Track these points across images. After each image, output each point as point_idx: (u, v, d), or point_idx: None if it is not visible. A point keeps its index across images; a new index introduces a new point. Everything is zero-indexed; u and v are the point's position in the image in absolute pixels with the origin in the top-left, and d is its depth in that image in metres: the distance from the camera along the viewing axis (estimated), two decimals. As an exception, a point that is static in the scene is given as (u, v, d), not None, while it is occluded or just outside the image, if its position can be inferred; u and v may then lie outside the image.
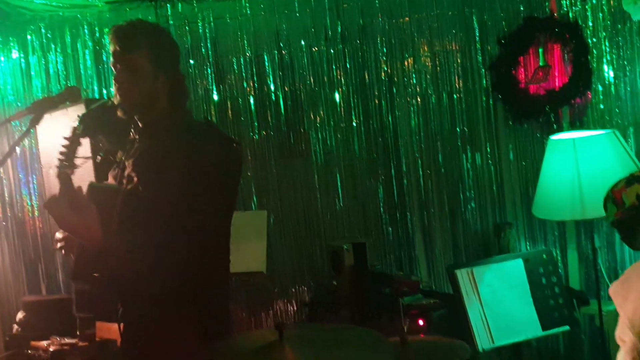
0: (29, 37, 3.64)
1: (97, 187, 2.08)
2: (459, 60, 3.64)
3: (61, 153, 1.93)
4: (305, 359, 1.74)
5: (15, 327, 3.15)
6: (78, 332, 3.00)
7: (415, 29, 3.62)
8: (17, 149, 3.51)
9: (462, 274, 2.96)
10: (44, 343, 3.00)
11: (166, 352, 2.00)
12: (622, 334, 2.19)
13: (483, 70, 3.62)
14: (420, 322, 2.89)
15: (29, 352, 3.02)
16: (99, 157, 2.25)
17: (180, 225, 1.91)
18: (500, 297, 2.96)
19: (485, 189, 3.65)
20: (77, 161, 1.96)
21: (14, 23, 3.63)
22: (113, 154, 2.12)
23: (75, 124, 1.98)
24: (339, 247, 3.18)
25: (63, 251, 2.10)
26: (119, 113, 2.02)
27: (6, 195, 3.58)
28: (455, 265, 3.00)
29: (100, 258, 1.90)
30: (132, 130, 2.09)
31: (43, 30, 3.63)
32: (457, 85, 3.64)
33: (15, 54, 3.65)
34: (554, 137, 3.05)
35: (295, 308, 3.53)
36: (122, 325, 2.14)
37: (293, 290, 3.54)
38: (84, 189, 1.93)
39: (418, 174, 3.66)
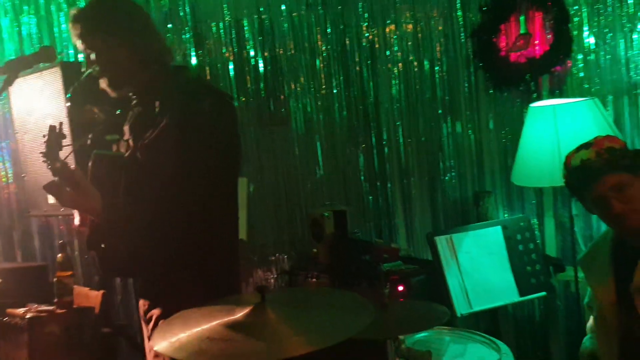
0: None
1: (102, 155, 2.05)
2: (440, 28, 3.61)
3: (44, 153, 1.90)
4: (288, 320, 1.75)
5: (-8, 295, 3.11)
6: (55, 300, 2.97)
7: (397, -7, 3.59)
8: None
9: (441, 241, 2.97)
10: (20, 310, 2.96)
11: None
12: (591, 302, 2.25)
13: (464, 37, 3.60)
14: (400, 288, 2.90)
15: (5, 319, 2.97)
16: (88, 141, 2.21)
17: (182, 189, 1.89)
18: (478, 263, 2.99)
19: (465, 158, 3.66)
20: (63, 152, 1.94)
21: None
22: (110, 126, 2.09)
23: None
24: (320, 215, 3.17)
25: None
26: (106, 90, 1.99)
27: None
28: (435, 232, 3.01)
29: (108, 228, 1.89)
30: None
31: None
32: (438, 52, 3.62)
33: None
34: (534, 104, 3.06)
35: (275, 276, 3.52)
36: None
37: (273, 258, 3.53)
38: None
39: (398, 142, 3.65)
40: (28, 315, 2.91)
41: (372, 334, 2.20)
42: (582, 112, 2.83)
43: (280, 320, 1.74)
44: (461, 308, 2.89)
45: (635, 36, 3.17)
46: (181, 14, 3.54)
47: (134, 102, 2.03)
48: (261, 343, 1.68)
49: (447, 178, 3.67)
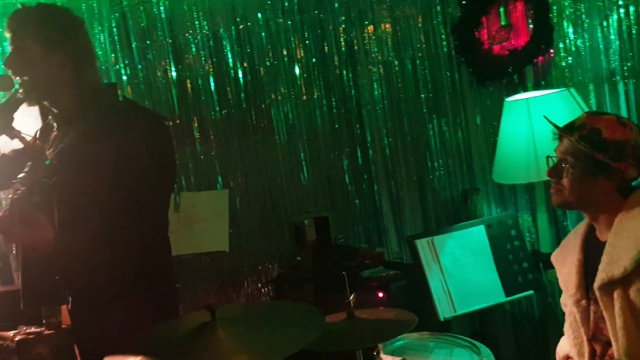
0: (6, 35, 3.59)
1: (40, 183, 2.05)
2: (420, 25, 3.55)
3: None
4: (236, 338, 1.74)
5: (-17, 318, 3.17)
6: (44, 321, 3.02)
7: (374, -8, 3.54)
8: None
9: (422, 244, 2.91)
10: (11, 333, 3.02)
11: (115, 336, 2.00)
12: (564, 299, 2.17)
13: (445, 33, 3.53)
14: (380, 295, 2.86)
15: (-1, 342, 3.04)
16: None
17: (117, 212, 1.89)
18: (461, 264, 2.92)
19: (453, 155, 3.60)
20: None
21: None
22: (32, 146, 2.09)
23: None
24: (301, 222, 3.16)
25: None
26: (28, 101, 1.98)
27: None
28: (415, 235, 2.95)
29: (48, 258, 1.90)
30: (50, 117, 2.06)
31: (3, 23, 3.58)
32: (419, 50, 3.56)
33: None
34: (509, 98, 2.97)
35: (261, 286, 3.51)
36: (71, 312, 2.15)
37: (261, 268, 3.52)
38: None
39: (383, 143, 3.60)
40: (17, 338, 2.97)
41: (338, 345, 2.18)
42: (556, 103, 2.74)
43: (230, 338, 1.73)
44: (444, 312, 2.83)
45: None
46: (159, 30, 3.55)
47: (57, 120, 2.01)
48: (207, 362, 1.68)
49: (435, 177, 3.61)
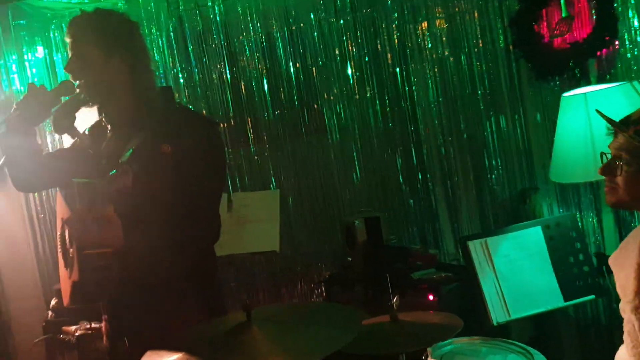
0: (52, 35, 3.77)
1: (81, 183, 2.12)
2: (475, 19, 3.44)
3: None
4: (272, 338, 1.74)
5: (50, 313, 3.32)
6: (104, 317, 3.12)
7: (428, -11, 3.46)
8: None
9: (474, 246, 2.82)
10: (73, 328, 3.15)
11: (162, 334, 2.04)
12: (623, 305, 2.03)
13: (502, 27, 3.41)
14: (430, 297, 2.79)
15: (60, 336, 3.17)
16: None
17: (170, 213, 1.93)
18: (517, 267, 2.80)
19: (512, 154, 3.46)
20: None
21: (38, 23, 3.77)
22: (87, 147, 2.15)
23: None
24: (351, 223, 3.12)
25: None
26: (85, 104, 2.05)
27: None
28: (467, 236, 2.86)
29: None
30: (102, 118, 2.12)
31: (64, 28, 3.74)
32: (475, 46, 3.45)
33: (40, 52, 3.80)
34: (566, 94, 2.83)
35: (313, 286, 3.50)
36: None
37: (313, 268, 3.51)
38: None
39: (438, 142, 3.52)
40: (77, 333, 3.09)
41: (380, 348, 2.14)
42: (617, 98, 2.58)
43: (265, 338, 1.74)
44: (498, 316, 2.72)
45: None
46: (214, 34, 3.61)
47: (111, 122, 2.06)
48: (243, 362, 1.69)
49: (493, 176, 3.49)
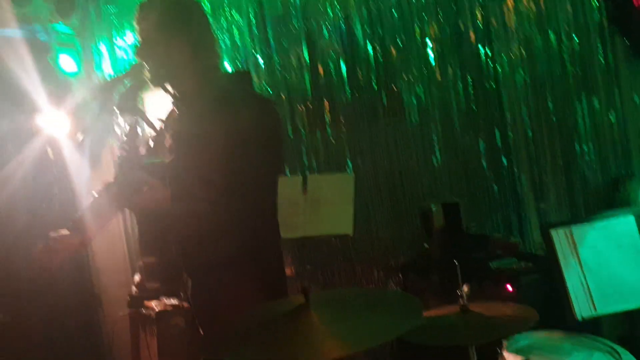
0: (135, 26, 3.88)
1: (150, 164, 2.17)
2: (567, -7, 3.23)
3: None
4: (330, 322, 1.71)
5: (134, 288, 3.46)
6: (182, 294, 3.21)
7: (514, -37, 3.28)
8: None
9: (558, 234, 2.64)
10: (154, 303, 3.25)
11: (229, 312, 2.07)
12: None
13: (597, 2, 3.17)
14: (509, 288, 2.66)
15: (143, 311, 3.29)
16: None
17: (227, 190, 1.94)
18: (605, 259, 2.60)
19: (605, 138, 3.23)
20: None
21: (127, 9, 3.90)
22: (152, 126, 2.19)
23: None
24: (428, 208, 3.03)
25: None
26: (152, 85, 2.08)
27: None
28: (550, 224, 2.69)
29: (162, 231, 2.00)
30: (172, 101, 2.15)
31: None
32: (566, 22, 3.23)
33: (130, 37, 3.93)
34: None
35: (389, 273, 3.43)
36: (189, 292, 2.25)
37: (389, 253, 3.44)
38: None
39: (525, 124, 3.33)
40: (158, 309, 3.19)
41: (448, 339, 2.06)
42: None
43: (323, 322, 1.71)
44: (583, 311, 2.55)
45: None
46: (293, 19, 3.59)
47: (177, 104, 2.09)
48: (302, 345, 1.67)
49: (585, 162, 3.27)
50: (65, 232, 2.06)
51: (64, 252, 2.03)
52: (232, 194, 1.94)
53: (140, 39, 2.05)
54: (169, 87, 2.10)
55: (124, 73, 2.18)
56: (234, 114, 1.97)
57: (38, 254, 2.02)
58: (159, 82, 2.07)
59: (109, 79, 2.17)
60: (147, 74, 2.07)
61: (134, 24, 2.04)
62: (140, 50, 2.04)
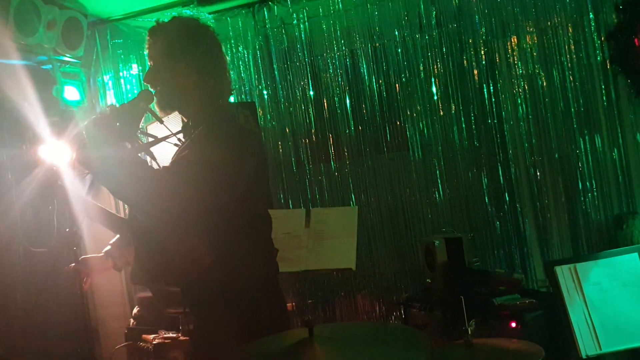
0: (145, 52, 3.93)
1: None
2: (570, 34, 3.27)
3: None
4: (333, 356, 1.69)
5: (132, 320, 3.42)
6: (180, 327, 3.18)
7: (517, 2, 3.32)
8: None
9: (562, 271, 2.64)
10: (151, 336, 3.22)
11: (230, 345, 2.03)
12: None
13: (599, 41, 3.22)
14: (513, 324, 2.63)
15: (140, 344, 3.25)
16: None
17: (214, 220, 1.91)
18: (610, 296, 2.60)
19: (608, 175, 3.24)
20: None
21: (134, 41, 3.96)
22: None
23: None
24: (431, 243, 3.02)
25: None
26: (161, 111, 2.08)
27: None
28: (555, 261, 2.68)
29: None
30: (182, 126, 2.15)
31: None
32: (568, 61, 3.27)
33: (134, 69, 3.98)
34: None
35: (391, 307, 3.40)
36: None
37: (391, 287, 3.42)
38: None
39: (527, 161, 3.34)
40: (155, 341, 3.15)
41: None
42: None
43: (327, 356, 1.69)
44: (588, 348, 2.53)
45: None
46: (299, 51, 3.63)
47: (185, 129, 2.09)
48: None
49: (587, 199, 3.27)
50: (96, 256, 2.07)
51: (94, 273, 2.03)
52: (219, 223, 1.91)
53: (149, 64, 2.06)
54: (176, 112, 2.11)
55: (133, 99, 2.19)
56: (214, 142, 1.94)
57: (67, 273, 2.02)
58: (166, 108, 2.08)
59: (114, 106, 2.16)
60: (154, 99, 2.08)
61: (144, 50, 2.06)
62: (148, 75, 2.05)
